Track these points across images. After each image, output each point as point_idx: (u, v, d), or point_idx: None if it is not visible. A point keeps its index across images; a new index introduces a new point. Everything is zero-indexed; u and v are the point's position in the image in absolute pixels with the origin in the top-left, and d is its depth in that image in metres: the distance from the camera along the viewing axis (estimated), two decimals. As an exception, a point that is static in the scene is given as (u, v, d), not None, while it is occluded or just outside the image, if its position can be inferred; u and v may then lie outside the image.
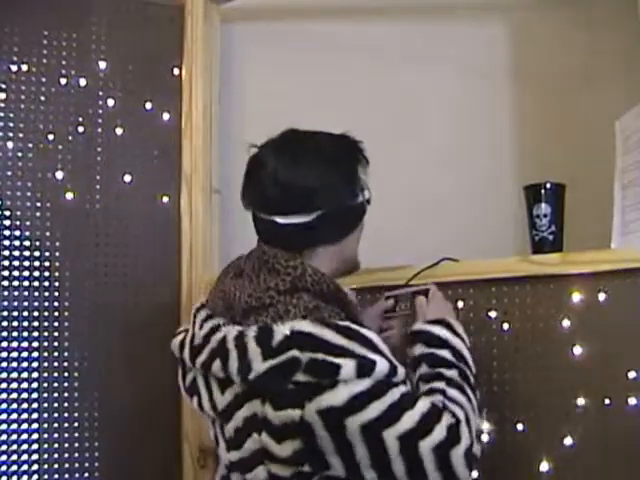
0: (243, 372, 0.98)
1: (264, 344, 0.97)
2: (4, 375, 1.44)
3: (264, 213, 1.10)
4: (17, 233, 1.48)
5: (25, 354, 1.46)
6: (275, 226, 1.09)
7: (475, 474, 1.37)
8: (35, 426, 1.45)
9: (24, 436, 1.44)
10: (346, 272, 1.20)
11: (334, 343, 0.96)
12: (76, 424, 1.48)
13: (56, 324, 1.49)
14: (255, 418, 1.00)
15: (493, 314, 1.39)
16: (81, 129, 1.56)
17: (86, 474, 1.48)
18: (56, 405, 1.47)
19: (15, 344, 1.45)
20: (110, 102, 1.59)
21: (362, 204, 1.16)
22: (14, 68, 1.52)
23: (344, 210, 1.12)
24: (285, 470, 0.99)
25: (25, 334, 1.47)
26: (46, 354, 1.48)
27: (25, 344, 1.46)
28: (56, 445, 1.46)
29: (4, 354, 1.44)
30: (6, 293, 1.45)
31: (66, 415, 1.48)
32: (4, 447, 1.42)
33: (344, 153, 1.16)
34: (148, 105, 1.62)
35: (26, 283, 1.48)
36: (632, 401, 1.24)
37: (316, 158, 1.11)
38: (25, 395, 1.45)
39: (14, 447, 1.43)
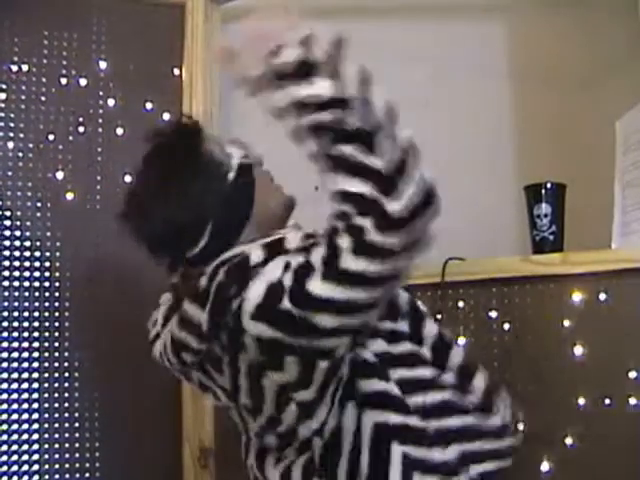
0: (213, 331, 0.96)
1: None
2: (4, 375, 1.43)
3: (179, 266, 1.11)
4: (17, 233, 1.48)
5: (25, 354, 1.46)
6: (190, 264, 1.06)
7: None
8: (35, 426, 1.45)
9: (24, 436, 1.43)
10: (285, 215, 1.13)
11: None
12: (76, 424, 1.48)
13: (56, 324, 1.49)
14: (253, 366, 0.96)
15: (494, 314, 1.39)
16: (81, 129, 1.56)
17: (86, 474, 1.47)
18: (56, 405, 1.47)
19: (15, 344, 1.45)
20: (110, 102, 1.59)
21: (238, 176, 1.06)
22: (14, 68, 1.51)
23: (226, 200, 1.05)
24: (307, 393, 0.95)
25: (25, 334, 1.46)
26: (46, 354, 1.47)
27: (25, 344, 1.46)
28: (56, 445, 1.46)
29: (4, 354, 1.44)
30: (6, 293, 1.45)
31: (66, 415, 1.47)
32: (4, 447, 1.41)
33: (178, 161, 1.06)
34: (148, 105, 1.62)
35: (26, 283, 1.47)
36: (632, 401, 1.24)
37: (157, 199, 1.06)
38: (25, 395, 1.45)
39: (14, 447, 1.43)
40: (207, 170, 1.05)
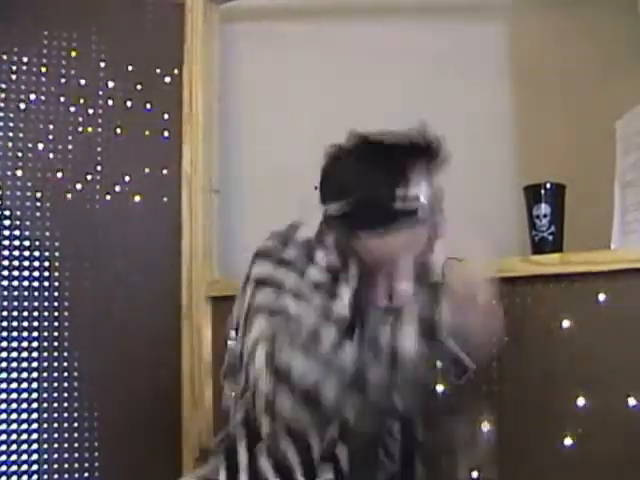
0: None
1: None
2: (4, 375, 1.43)
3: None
4: (17, 233, 1.48)
5: (25, 354, 1.46)
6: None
7: (475, 474, 1.38)
8: (35, 426, 1.45)
9: (24, 436, 1.44)
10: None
11: None
12: (76, 424, 1.48)
13: (56, 324, 1.49)
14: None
15: (493, 314, 1.39)
16: (81, 129, 1.56)
17: (86, 474, 1.47)
18: (56, 405, 1.47)
19: (15, 344, 1.45)
20: (110, 102, 1.59)
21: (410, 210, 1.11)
22: (14, 68, 1.52)
23: (367, 207, 1.09)
24: None
25: (25, 334, 1.46)
26: (46, 354, 1.48)
27: (25, 344, 1.46)
28: (56, 445, 1.46)
29: (4, 354, 1.44)
30: (6, 293, 1.45)
31: (66, 415, 1.48)
32: (4, 447, 1.42)
33: (393, 157, 1.16)
34: (148, 105, 1.62)
35: (26, 283, 1.48)
36: (632, 401, 1.24)
37: (360, 154, 1.16)
38: (25, 395, 1.45)
39: (14, 447, 1.43)
40: (396, 180, 1.11)
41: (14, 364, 1.45)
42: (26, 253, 1.48)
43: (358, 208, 1.09)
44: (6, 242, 1.47)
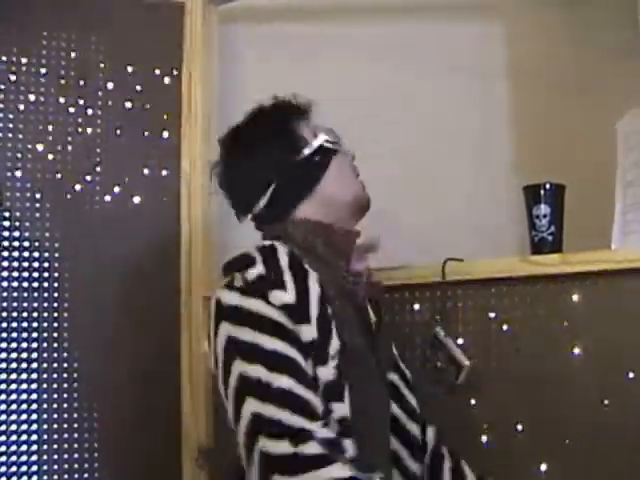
0: None
1: None
2: (4, 375, 1.43)
3: (244, 216, 1.24)
4: (17, 233, 1.48)
5: (25, 354, 1.46)
6: (255, 219, 1.22)
7: (474, 473, 1.38)
8: (35, 426, 1.45)
9: (24, 436, 1.44)
10: (355, 209, 1.22)
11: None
12: (76, 424, 1.48)
13: (56, 324, 1.49)
14: None
15: (493, 314, 1.39)
16: (80, 129, 1.56)
17: (86, 474, 1.47)
18: (56, 405, 1.47)
19: (15, 344, 1.45)
20: (109, 102, 1.59)
21: (316, 152, 1.19)
22: (14, 68, 1.52)
23: (293, 169, 1.18)
24: None
25: (25, 334, 1.46)
26: (46, 354, 1.48)
27: (25, 344, 1.46)
28: (56, 445, 1.46)
29: (4, 354, 1.44)
30: (5, 293, 1.45)
31: (66, 415, 1.48)
32: (4, 447, 1.42)
33: (270, 120, 1.22)
34: (147, 106, 1.62)
35: (26, 283, 1.47)
36: (631, 401, 1.24)
37: (238, 149, 1.22)
38: (25, 395, 1.45)
39: (14, 447, 1.43)
40: (284, 140, 1.18)
41: (14, 364, 1.45)
42: (26, 253, 1.48)
43: (281, 187, 1.18)
44: (6, 242, 1.47)
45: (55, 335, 1.49)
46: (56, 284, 1.50)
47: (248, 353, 0.99)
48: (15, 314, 1.46)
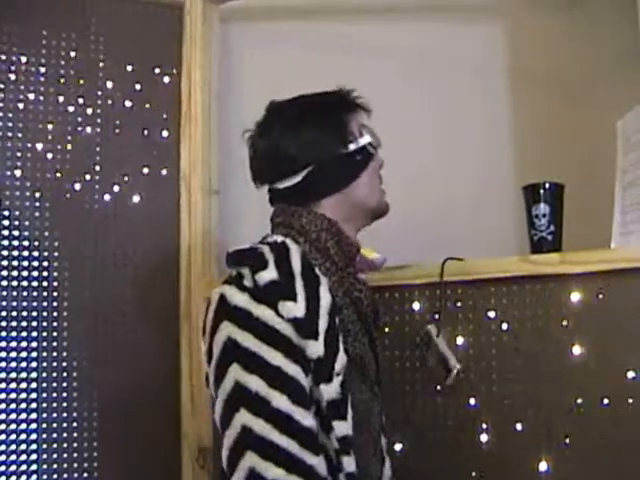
0: None
1: None
2: (4, 375, 1.43)
3: (263, 184, 1.20)
4: (16, 233, 1.48)
5: (25, 354, 1.46)
6: (275, 193, 1.18)
7: (474, 474, 1.38)
8: (34, 426, 1.45)
9: (23, 436, 1.44)
10: (375, 216, 1.23)
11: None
12: (75, 424, 1.48)
13: (56, 324, 1.49)
14: None
15: (492, 314, 1.39)
16: (80, 129, 1.56)
17: (86, 474, 1.48)
18: (56, 405, 1.47)
19: (15, 344, 1.45)
20: (109, 102, 1.59)
21: (359, 150, 1.18)
22: (13, 68, 1.52)
23: (335, 161, 1.16)
24: None
25: (25, 334, 1.46)
26: (45, 354, 1.48)
27: (25, 344, 1.46)
28: (56, 445, 1.46)
29: (4, 354, 1.44)
30: (5, 293, 1.45)
31: (65, 415, 1.48)
32: (3, 447, 1.42)
33: (325, 106, 1.20)
34: (147, 105, 1.62)
35: (25, 283, 1.48)
36: (631, 401, 1.24)
37: (290, 121, 1.17)
38: (25, 395, 1.45)
39: (14, 447, 1.43)
40: (335, 129, 1.17)
41: (14, 364, 1.45)
42: (25, 253, 1.48)
43: (316, 173, 1.15)
44: (5, 242, 1.47)
45: (55, 335, 1.49)
46: (56, 284, 1.50)
47: (249, 362, 0.95)
48: (15, 314, 1.46)
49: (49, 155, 1.53)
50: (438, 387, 1.42)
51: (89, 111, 1.57)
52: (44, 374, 1.47)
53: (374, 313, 1.19)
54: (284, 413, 0.93)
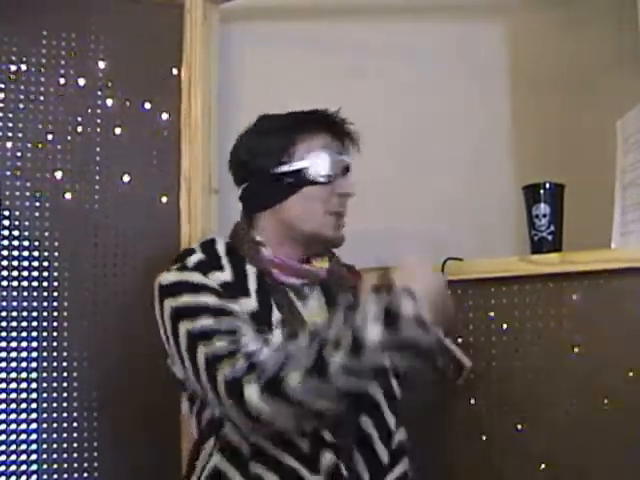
0: None
1: None
2: (3, 375, 1.43)
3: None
4: (16, 233, 1.48)
5: (25, 354, 1.46)
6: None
7: (474, 473, 1.38)
8: (34, 426, 1.45)
9: (23, 436, 1.44)
10: (311, 242, 1.21)
11: None
12: (75, 424, 1.48)
13: (55, 324, 1.49)
14: None
15: (492, 314, 1.39)
16: (80, 129, 1.56)
17: (86, 474, 1.47)
18: (56, 405, 1.47)
19: (15, 344, 1.45)
20: (109, 102, 1.59)
21: (290, 173, 1.18)
22: (13, 68, 1.51)
23: (268, 179, 1.19)
24: None
25: (25, 334, 1.46)
26: (46, 354, 1.47)
27: (25, 344, 1.46)
28: (56, 445, 1.46)
29: (4, 354, 1.44)
30: (5, 293, 1.45)
31: (65, 415, 1.47)
32: (3, 447, 1.42)
33: (282, 124, 1.21)
34: (147, 105, 1.62)
35: (25, 283, 1.47)
36: (632, 401, 1.24)
37: (252, 133, 1.23)
38: (25, 395, 1.45)
39: (13, 447, 1.43)
40: (273, 147, 1.18)
41: (14, 364, 1.45)
42: (25, 253, 1.48)
43: (251, 187, 1.22)
44: (5, 242, 1.47)
45: (55, 335, 1.49)
46: (56, 284, 1.50)
47: (191, 313, 1.07)
48: (15, 314, 1.46)
49: (49, 155, 1.53)
50: (438, 387, 1.43)
51: (89, 111, 1.57)
52: (44, 374, 1.47)
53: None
54: (234, 326, 1.04)
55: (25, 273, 1.48)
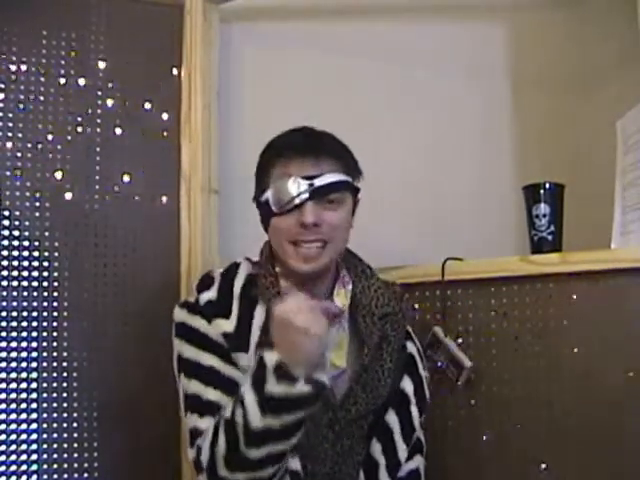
0: None
1: None
2: (3, 375, 1.43)
3: None
4: (16, 233, 1.48)
5: (25, 354, 1.46)
6: None
7: (474, 473, 1.38)
8: (34, 426, 1.44)
9: (23, 436, 1.44)
10: (292, 273, 1.17)
11: None
12: (76, 424, 1.48)
13: (55, 324, 1.49)
14: None
15: (492, 314, 1.39)
16: (80, 129, 1.56)
17: (86, 474, 1.47)
18: (56, 405, 1.47)
19: (15, 344, 1.45)
20: (109, 102, 1.59)
21: (264, 204, 1.16)
22: (13, 68, 1.51)
23: (257, 206, 1.19)
24: None
25: (25, 334, 1.46)
26: (46, 354, 1.47)
27: (25, 344, 1.46)
28: (56, 445, 1.46)
29: (4, 354, 1.44)
30: (5, 293, 1.45)
31: (66, 415, 1.47)
32: (3, 447, 1.41)
33: (265, 152, 1.19)
34: (147, 105, 1.62)
35: (25, 283, 1.47)
36: (632, 401, 1.24)
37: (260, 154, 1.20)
38: (25, 395, 1.45)
39: (14, 447, 1.43)
40: (258, 173, 1.19)
41: (14, 364, 1.45)
42: (25, 253, 1.48)
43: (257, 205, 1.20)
44: (5, 242, 1.47)
45: (55, 335, 1.49)
46: (56, 284, 1.50)
47: (188, 369, 1.12)
48: (15, 314, 1.46)
49: (49, 155, 1.52)
50: (438, 387, 1.43)
51: (89, 111, 1.57)
52: (44, 374, 1.47)
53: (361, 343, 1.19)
54: (214, 403, 1.07)
55: (25, 273, 1.48)
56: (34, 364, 1.46)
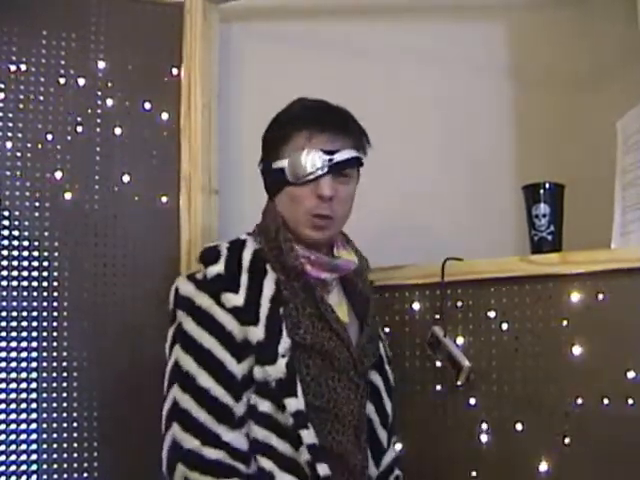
0: None
1: None
2: (3, 375, 1.43)
3: None
4: (16, 233, 1.48)
5: (24, 354, 1.46)
6: None
7: (474, 473, 1.38)
8: (34, 426, 1.45)
9: (23, 436, 1.44)
10: (297, 237, 1.20)
11: None
12: (75, 424, 1.48)
13: (55, 324, 1.49)
14: None
15: (492, 314, 1.39)
16: (80, 129, 1.56)
17: (85, 474, 1.47)
18: (55, 405, 1.47)
19: (14, 344, 1.45)
20: (109, 102, 1.59)
21: (277, 171, 1.18)
22: (13, 68, 1.51)
23: (268, 170, 1.21)
24: None
25: (24, 334, 1.46)
26: (45, 354, 1.47)
27: (24, 344, 1.46)
28: (55, 445, 1.46)
29: (3, 354, 1.44)
30: (5, 293, 1.45)
31: (65, 415, 1.47)
32: (3, 447, 1.42)
33: (284, 118, 1.22)
34: (147, 105, 1.62)
35: (25, 283, 1.47)
36: (630, 401, 1.24)
37: (277, 115, 1.23)
38: (24, 395, 1.45)
39: (13, 447, 1.43)
40: (271, 140, 1.22)
41: (14, 364, 1.45)
42: (25, 253, 1.48)
43: (263, 169, 1.24)
44: (5, 242, 1.47)
45: (55, 335, 1.49)
46: (56, 284, 1.50)
47: (187, 344, 1.11)
48: (15, 314, 1.46)
49: (49, 155, 1.53)
50: (438, 387, 1.43)
51: (89, 111, 1.57)
52: (44, 374, 1.47)
53: (363, 303, 1.26)
54: (205, 390, 1.08)
55: (25, 273, 1.48)
56: (34, 364, 1.46)
